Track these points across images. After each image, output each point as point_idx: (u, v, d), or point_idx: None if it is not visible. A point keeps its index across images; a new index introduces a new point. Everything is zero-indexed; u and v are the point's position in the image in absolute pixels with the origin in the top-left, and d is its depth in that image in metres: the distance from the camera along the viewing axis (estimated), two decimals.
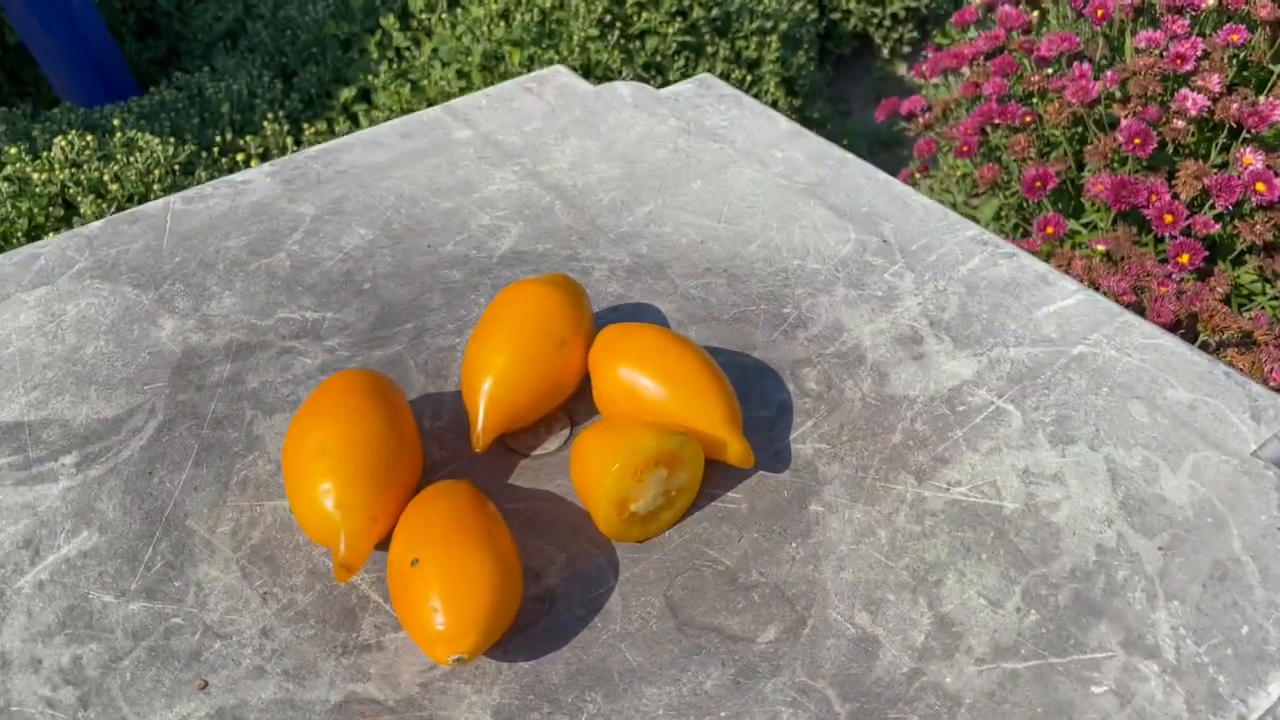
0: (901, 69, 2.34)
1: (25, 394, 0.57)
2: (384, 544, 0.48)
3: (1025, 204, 1.28)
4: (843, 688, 0.44)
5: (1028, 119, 1.24)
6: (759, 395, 0.57)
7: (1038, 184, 1.17)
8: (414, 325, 0.61)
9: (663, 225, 0.68)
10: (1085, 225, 1.22)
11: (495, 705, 0.44)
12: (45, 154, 1.08)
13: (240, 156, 1.30)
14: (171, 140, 1.15)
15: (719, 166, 0.73)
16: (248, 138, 1.39)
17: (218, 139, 1.36)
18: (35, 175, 1.02)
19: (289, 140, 1.42)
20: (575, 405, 0.57)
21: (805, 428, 0.55)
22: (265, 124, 1.42)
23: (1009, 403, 0.56)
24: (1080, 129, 1.25)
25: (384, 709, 0.44)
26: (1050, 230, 1.14)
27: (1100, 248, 1.10)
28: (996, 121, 1.25)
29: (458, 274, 0.64)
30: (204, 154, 1.26)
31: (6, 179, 1.03)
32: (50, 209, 1.02)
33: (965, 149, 1.25)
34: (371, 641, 0.46)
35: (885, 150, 2.11)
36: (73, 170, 1.04)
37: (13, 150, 1.06)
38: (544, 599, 0.48)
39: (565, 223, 0.68)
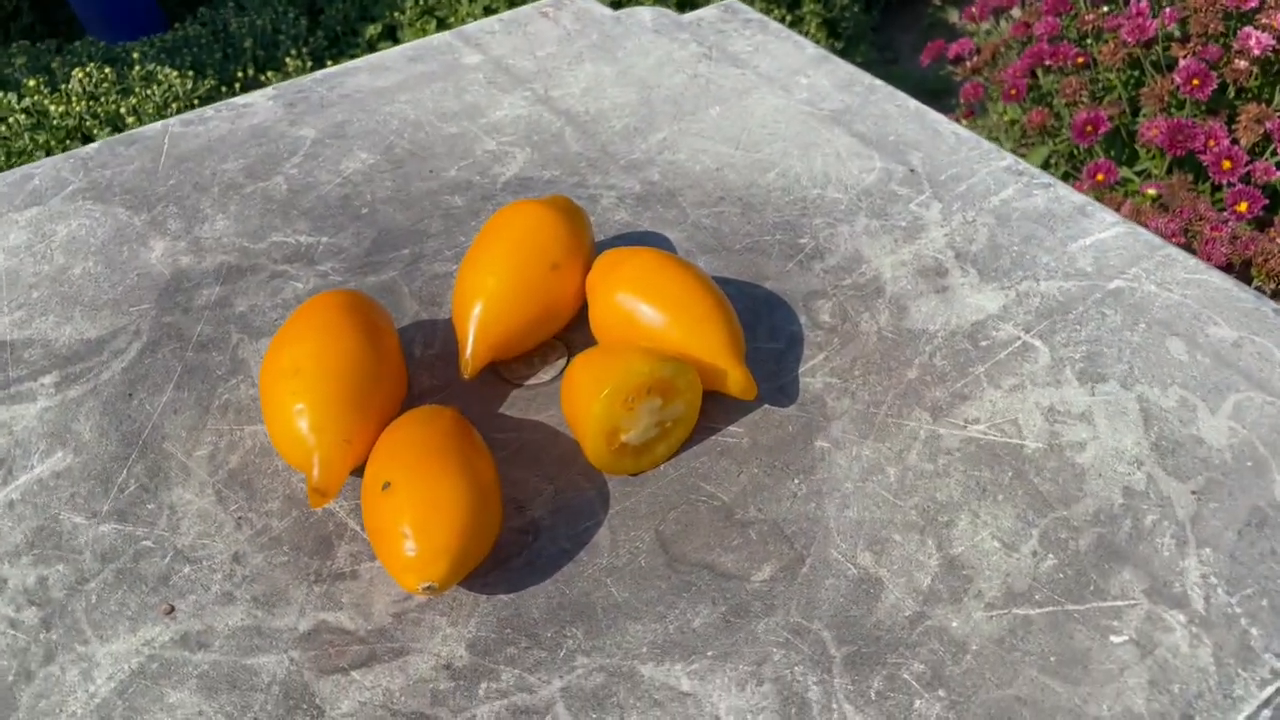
0: (954, 16, 2.26)
1: (9, 314, 0.55)
2: (362, 470, 0.46)
3: (1075, 150, 1.22)
4: (840, 630, 0.41)
5: (1080, 60, 1.17)
6: (768, 327, 0.53)
7: (1089, 128, 1.11)
8: (410, 251, 0.59)
9: (676, 152, 0.64)
10: (1138, 173, 1.16)
11: (470, 638, 0.42)
12: (64, 86, 1.06)
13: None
14: (190, 74, 1.13)
15: (740, 93, 0.69)
16: (269, 74, 1.37)
17: (239, 74, 1.34)
18: (53, 108, 1.01)
19: None
20: (573, 335, 0.54)
21: (815, 361, 0.52)
22: (288, 60, 1.40)
23: (1036, 338, 0.52)
24: (1136, 71, 1.18)
25: (354, 639, 0.42)
26: (1100, 177, 1.09)
27: (1151, 191, 1.04)
28: (1048, 63, 1.19)
29: (459, 200, 0.62)
30: (223, 89, 1.24)
31: (25, 111, 1.02)
32: (67, 142, 1.01)
33: (1014, 92, 1.19)
34: (346, 570, 0.44)
35: (931, 99, 2.04)
36: (90, 103, 1.03)
37: (31, 83, 1.05)
38: (528, 531, 0.45)
39: (574, 149, 0.65)
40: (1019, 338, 0.52)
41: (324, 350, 0.45)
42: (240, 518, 0.46)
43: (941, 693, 0.40)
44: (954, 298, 0.54)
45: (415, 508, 0.41)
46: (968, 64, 1.34)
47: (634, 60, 0.72)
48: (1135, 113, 1.18)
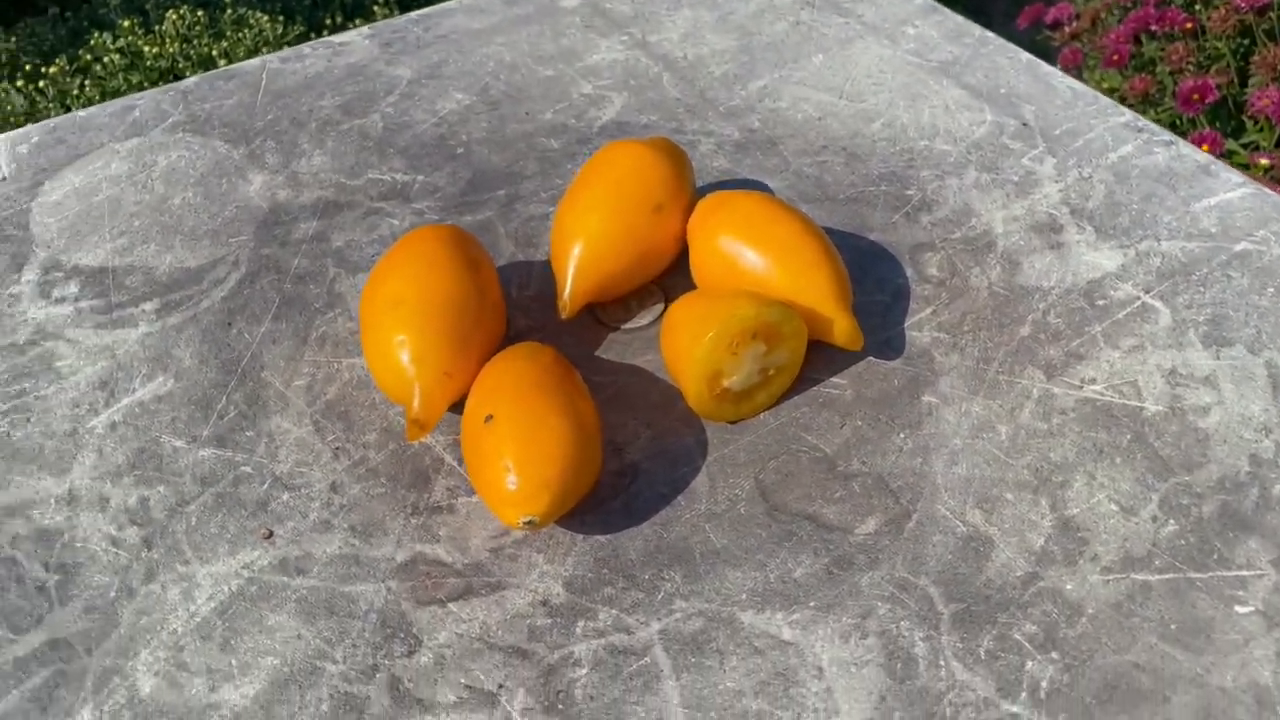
0: None
1: (111, 240, 0.56)
2: (459, 406, 0.45)
3: (1179, 120, 1.17)
4: (948, 587, 0.40)
5: (1188, 25, 1.13)
6: (874, 279, 0.52)
7: (1195, 97, 1.07)
8: (506, 192, 0.58)
9: (778, 100, 0.63)
10: (1245, 146, 1.11)
11: (568, 576, 0.41)
12: (157, 28, 1.08)
13: None
14: (281, 19, 1.14)
15: (843, 42, 0.67)
16: (357, 21, 1.37)
17: (327, 21, 1.34)
18: (147, 49, 1.02)
19: None
20: (671, 280, 0.53)
21: (923, 315, 0.50)
22: (375, 9, 1.40)
23: (1157, 299, 0.50)
24: (1246, 40, 1.13)
25: (451, 572, 0.41)
26: (1206, 149, 1.04)
27: (1264, 162, 1.00)
28: (1153, 28, 1.14)
29: (555, 143, 0.61)
30: (311, 35, 1.24)
31: (119, 51, 1.04)
32: (160, 83, 1.02)
33: (1116, 58, 1.15)
34: (443, 504, 0.44)
35: None
36: (183, 45, 1.04)
37: (126, 23, 1.06)
38: (625, 474, 0.45)
39: (672, 94, 0.64)
40: (1138, 298, 0.50)
41: (427, 283, 0.45)
42: (338, 448, 0.46)
43: (1055, 655, 0.38)
44: (1069, 255, 0.52)
45: (518, 442, 0.40)
46: (1066, 29, 1.29)
47: (734, 6, 0.71)
48: (1244, 81, 1.13)
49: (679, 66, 0.66)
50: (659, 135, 0.60)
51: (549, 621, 0.40)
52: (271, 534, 0.43)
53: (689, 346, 0.44)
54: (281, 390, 0.48)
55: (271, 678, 0.39)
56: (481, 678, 0.39)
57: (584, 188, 0.50)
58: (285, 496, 0.44)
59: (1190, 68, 1.11)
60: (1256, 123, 1.10)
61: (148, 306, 0.52)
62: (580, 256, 0.48)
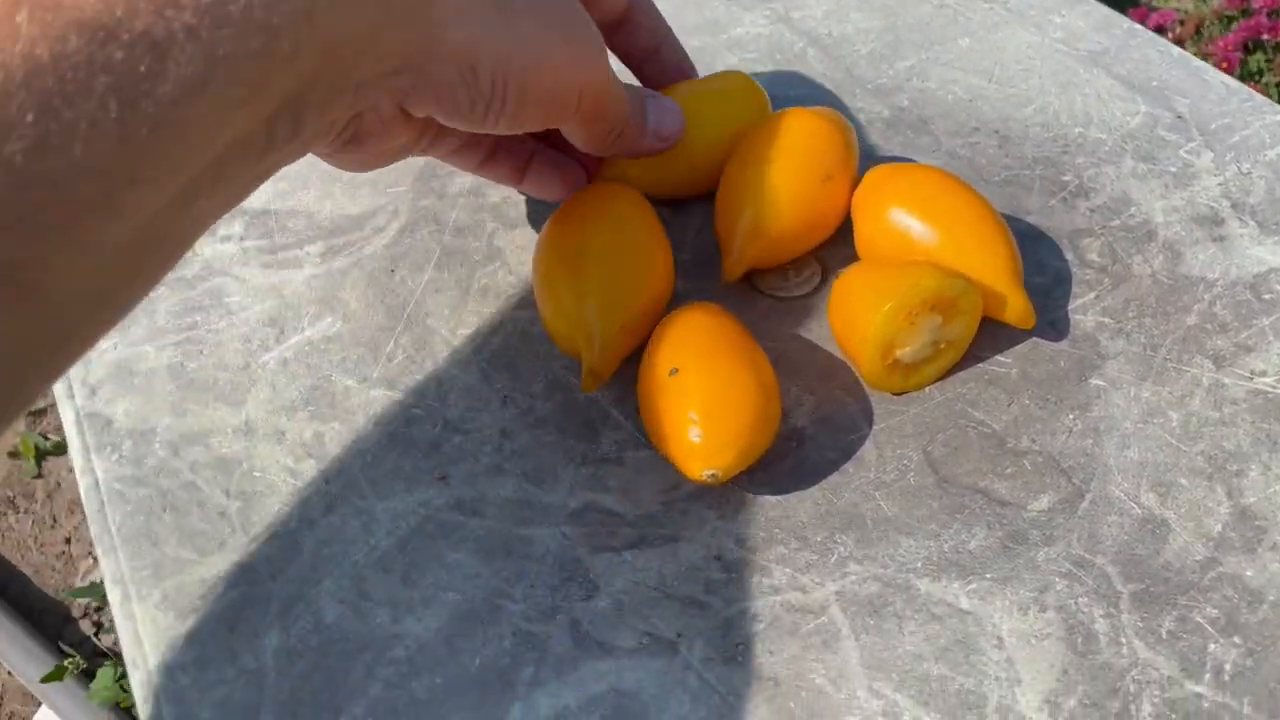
0: None
1: (272, 184, 0.56)
2: (628, 360, 0.46)
3: None
4: (1125, 566, 0.40)
5: None
6: (1033, 261, 0.52)
7: None
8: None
9: (926, 80, 0.63)
10: None
11: (739, 534, 0.42)
12: None
13: None
14: None
15: (989, 27, 0.66)
16: None
17: None
18: None
19: None
20: (827, 252, 0.53)
21: (1086, 299, 0.50)
22: None
23: None
24: None
25: (623, 522, 0.42)
26: None
27: None
28: (1264, 38, 1.13)
29: None
30: None
31: None
32: None
33: (1225, 66, 1.13)
34: (612, 456, 0.44)
35: None
36: None
37: None
38: (792, 438, 0.45)
39: (819, 70, 0.64)
40: None
41: (610, 236, 0.45)
42: (506, 396, 0.46)
43: (1237, 639, 0.38)
44: (1232, 248, 0.52)
45: (703, 394, 0.40)
46: (1169, 35, 1.28)
47: None
48: None
49: (824, 43, 0.66)
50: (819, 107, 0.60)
51: (724, 576, 0.40)
52: (446, 476, 0.44)
53: (865, 314, 0.44)
54: (447, 337, 0.49)
55: (453, 612, 0.39)
56: (660, 625, 0.39)
57: (753, 153, 0.50)
58: (457, 440, 0.45)
59: None
60: None
61: (311, 250, 0.53)
62: (748, 221, 0.48)
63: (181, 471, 0.44)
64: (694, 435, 0.40)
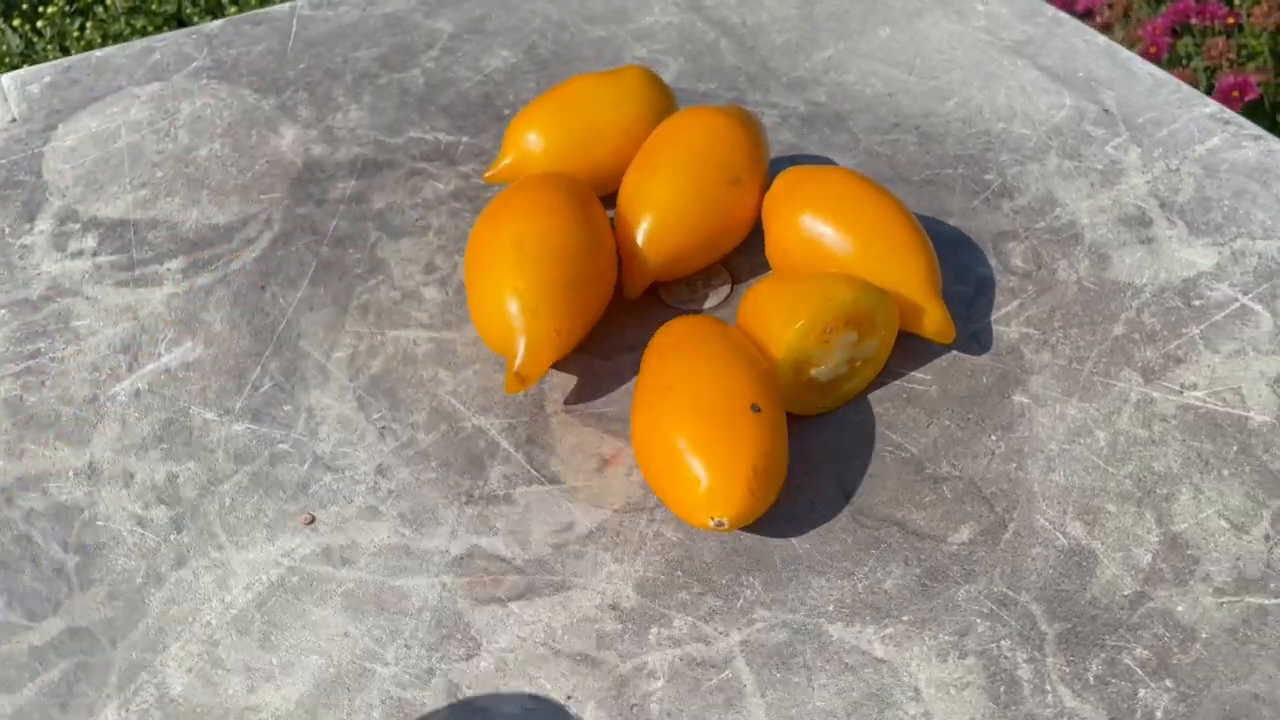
0: None
1: (132, 191, 0.51)
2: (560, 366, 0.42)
3: None
4: (1050, 604, 0.37)
5: (1230, 20, 1.10)
6: (954, 268, 0.49)
7: (1235, 94, 1.04)
8: None
9: (844, 73, 0.59)
10: None
11: (638, 578, 0.38)
12: None
13: None
14: None
15: (910, 15, 0.63)
16: None
17: None
18: None
19: None
20: (737, 260, 0.49)
21: (1010, 308, 0.47)
22: None
23: (1256, 301, 0.47)
24: None
25: (510, 568, 0.38)
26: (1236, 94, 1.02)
27: None
28: (1192, 22, 1.12)
29: None
30: None
31: None
32: (165, 29, 0.97)
33: (1154, 51, 1.12)
34: (499, 493, 0.40)
35: None
36: None
37: None
38: None
39: (731, 62, 0.60)
40: (1237, 299, 0.47)
41: (549, 231, 0.41)
42: (384, 427, 0.42)
43: (1169, 683, 0.35)
44: (1161, 250, 0.49)
45: (771, 442, 0.38)
46: (1098, 19, 1.26)
47: None
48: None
49: (737, 32, 0.62)
50: (718, 105, 0.57)
51: (619, 627, 0.37)
52: (313, 519, 0.39)
53: (777, 331, 0.40)
54: (321, 362, 0.44)
55: (316, 679, 0.35)
56: (548, 686, 0.35)
57: (653, 156, 0.46)
58: (327, 479, 0.41)
59: (1228, 64, 1.08)
60: None
61: (173, 265, 0.48)
62: (649, 231, 0.45)
63: (14, 522, 0.39)
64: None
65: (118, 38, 0.98)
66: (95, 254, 0.48)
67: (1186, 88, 0.58)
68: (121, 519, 0.39)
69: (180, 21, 1.02)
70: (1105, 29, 1.27)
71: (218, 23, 0.62)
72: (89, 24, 1.01)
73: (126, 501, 0.40)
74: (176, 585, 0.37)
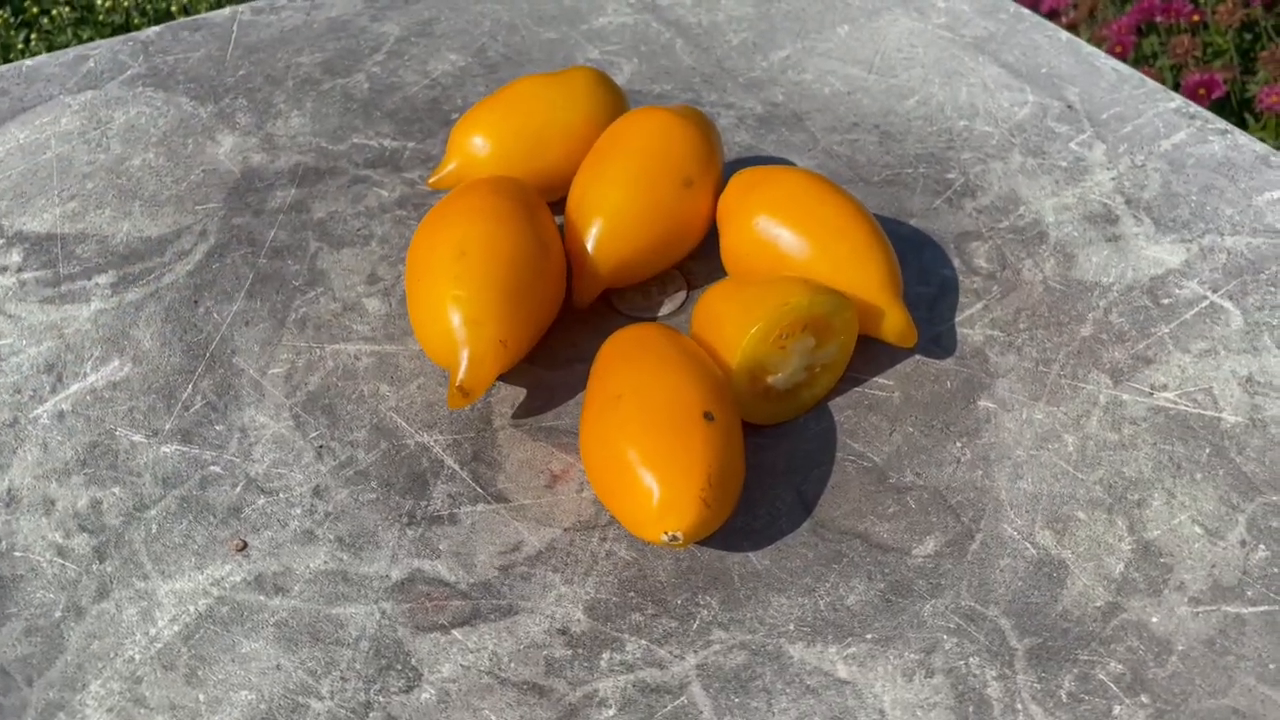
0: None
1: (60, 204, 0.49)
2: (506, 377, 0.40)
3: None
4: (1020, 618, 0.36)
5: (1195, 18, 1.10)
6: (917, 269, 0.47)
7: (1200, 92, 1.04)
8: None
9: (802, 72, 0.58)
10: None
11: (589, 600, 0.36)
12: None
13: None
14: None
15: (869, 13, 0.62)
16: None
17: None
18: (99, 1, 0.94)
19: None
20: (694, 265, 0.48)
21: (974, 310, 0.45)
22: None
23: (1226, 299, 0.46)
24: (1253, 35, 1.10)
25: (454, 593, 0.36)
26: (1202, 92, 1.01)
27: None
28: (1157, 20, 1.11)
29: None
30: None
31: (69, 3, 0.96)
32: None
33: (1119, 49, 1.11)
34: (443, 513, 0.38)
35: None
36: None
37: None
38: None
39: (687, 63, 0.58)
40: (1206, 297, 0.46)
41: (494, 237, 0.39)
42: (321, 446, 0.40)
43: (1144, 699, 0.34)
44: (1128, 248, 0.48)
45: (723, 453, 0.36)
46: (1064, 18, 1.26)
47: None
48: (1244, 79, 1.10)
49: (692, 33, 0.60)
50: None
51: (569, 653, 0.35)
52: (245, 545, 0.37)
53: (731, 338, 0.39)
54: (256, 379, 0.42)
55: (246, 716, 0.33)
56: (493, 718, 0.33)
57: (603, 159, 0.44)
58: (261, 502, 0.38)
59: (1193, 62, 1.08)
60: (1259, 120, 1.08)
61: (102, 280, 0.46)
62: (599, 236, 0.43)
63: None
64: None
65: (62, 49, 0.95)
66: (20, 270, 0.46)
67: (1151, 83, 0.57)
68: (40, 549, 0.37)
69: (129, 32, 0.99)
70: (1071, 29, 1.27)
71: (155, 29, 0.60)
72: (34, 35, 0.98)
73: (46, 530, 0.37)
74: (98, 619, 0.35)
